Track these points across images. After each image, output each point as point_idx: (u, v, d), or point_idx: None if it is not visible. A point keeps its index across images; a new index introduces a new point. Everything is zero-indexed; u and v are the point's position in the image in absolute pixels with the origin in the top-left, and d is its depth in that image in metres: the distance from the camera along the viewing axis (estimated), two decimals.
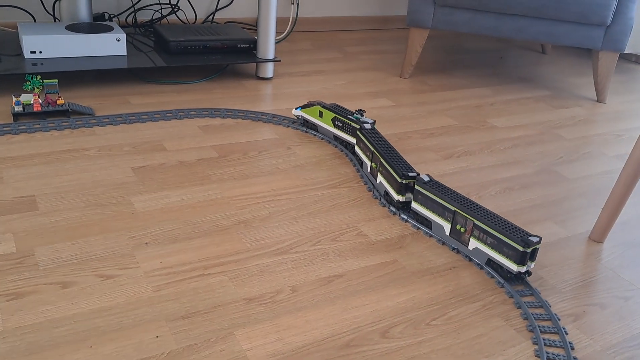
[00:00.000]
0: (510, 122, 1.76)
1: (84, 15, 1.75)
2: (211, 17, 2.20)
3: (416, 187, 1.14)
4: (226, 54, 1.80)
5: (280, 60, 1.87)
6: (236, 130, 1.48)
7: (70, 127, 1.37)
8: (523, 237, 0.99)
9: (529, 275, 1.01)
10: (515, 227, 1.02)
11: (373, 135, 1.29)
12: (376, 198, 1.24)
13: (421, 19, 1.93)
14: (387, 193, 1.21)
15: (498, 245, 1.01)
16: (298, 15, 2.27)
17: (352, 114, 1.41)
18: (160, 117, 1.48)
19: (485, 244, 1.03)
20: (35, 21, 1.91)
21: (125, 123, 1.43)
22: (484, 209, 1.06)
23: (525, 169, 1.46)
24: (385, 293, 0.95)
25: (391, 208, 1.19)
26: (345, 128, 1.40)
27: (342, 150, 1.43)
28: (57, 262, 0.93)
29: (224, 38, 1.79)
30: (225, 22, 2.23)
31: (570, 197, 1.35)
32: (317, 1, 2.44)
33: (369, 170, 1.29)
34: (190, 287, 0.91)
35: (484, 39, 2.74)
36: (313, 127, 1.50)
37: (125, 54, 1.66)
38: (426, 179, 1.14)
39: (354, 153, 1.39)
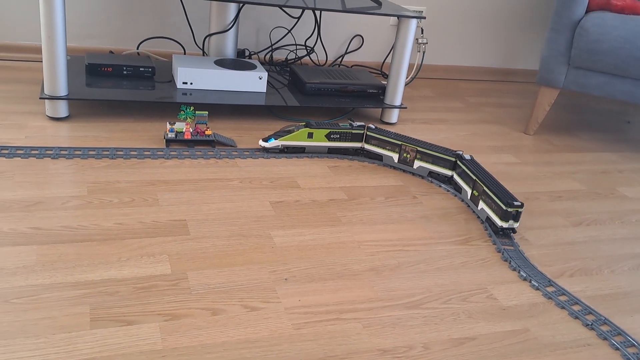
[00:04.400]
0: None
1: (229, 51, 1.88)
2: (340, 59, 2.29)
3: (458, 162, 1.47)
4: (355, 98, 1.86)
5: (406, 108, 1.91)
6: (363, 173, 1.53)
7: (215, 157, 1.48)
8: (509, 199, 1.27)
9: (513, 233, 1.31)
10: (508, 193, 1.30)
11: (385, 131, 1.59)
12: (505, 260, 1.23)
13: (553, 78, 1.91)
14: (403, 162, 1.53)
15: (491, 204, 1.32)
16: (422, 62, 2.31)
17: (337, 125, 1.57)
18: (294, 154, 1.55)
19: (486, 204, 1.34)
20: (185, 52, 2.07)
21: (262, 157, 1.52)
22: (494, 180, 1.36)
23: None
24: None
25: (522, 273, 1.18)
26: (344, 138, 1.57)
27: (468, 206, 1.44)
28: (207, 288, 1.00)
29: (356, 83, 1.86)
30: (352, 66, 2.31)
31: None
32: (441, 50, 2.48)
33: (397, 160, 1.56)
34: (327, 330, 0.95)
35: (610, 100, 2.65)
36: (298, 150, 1.56)
37: (265, 91, 1.77)
38: (468, 157, 1.47)
39: (362, 154, 1.62)
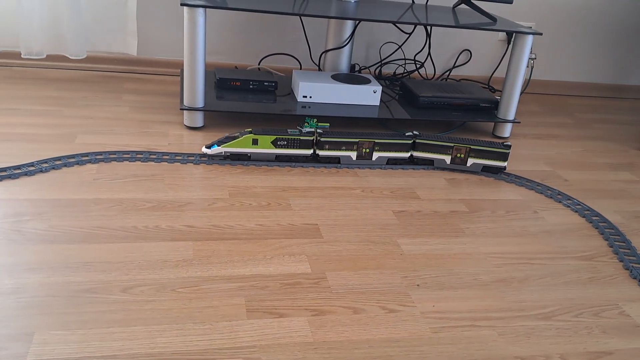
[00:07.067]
0: None
1: (343, 66, 1.97)
2: (447, 73, 2.32)
3: (417, 141, 1.60)
4: (467, 112, 1.89)
5: (519, 122, 1.91)
6: (480, 186, 1.55)
7: (336, 167, 1.55)
8: (502, 145, 1.59)
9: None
10: (493, 142, 1.59)
11: (338, 133, 1.56)
12: (634, 278, 1.22)
13: None
14: (360, 157, 1.58)
15: (490, 155, 1.59)
16: (531, 77, 2.30)
17: (286, 132, 1.51)
18: (410, 166, 1.60)
19: (478, 158, 1.59)
20: (300, 67, 2.18)
21: (380, 168, 1.58)
22: (467, 139, 1.61)
23: None
24: None
25: None
26: (292, 145, 1.52)
27: (590, 222, 1.43)
28: (346, 288, 1.07)
29: (469, 97, 1.89)
30: (459, 79, 2.34)
31: None
32: (549, 65, 2.45)
33: (355, 158, 1.58)
34: (463, 335, 0.99)
35: None
36: (243, 157, 1.51)
37: (378, 104, 1.84)
38: (418, 133, 1.62)
39: (316, 160, 1.59)
